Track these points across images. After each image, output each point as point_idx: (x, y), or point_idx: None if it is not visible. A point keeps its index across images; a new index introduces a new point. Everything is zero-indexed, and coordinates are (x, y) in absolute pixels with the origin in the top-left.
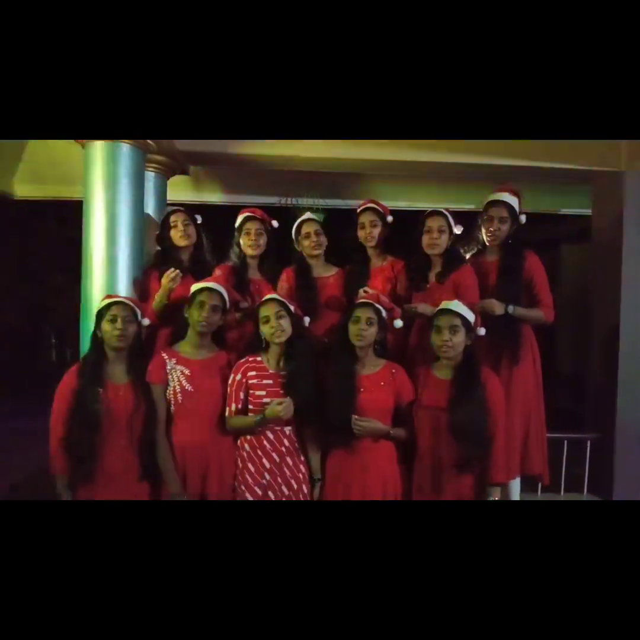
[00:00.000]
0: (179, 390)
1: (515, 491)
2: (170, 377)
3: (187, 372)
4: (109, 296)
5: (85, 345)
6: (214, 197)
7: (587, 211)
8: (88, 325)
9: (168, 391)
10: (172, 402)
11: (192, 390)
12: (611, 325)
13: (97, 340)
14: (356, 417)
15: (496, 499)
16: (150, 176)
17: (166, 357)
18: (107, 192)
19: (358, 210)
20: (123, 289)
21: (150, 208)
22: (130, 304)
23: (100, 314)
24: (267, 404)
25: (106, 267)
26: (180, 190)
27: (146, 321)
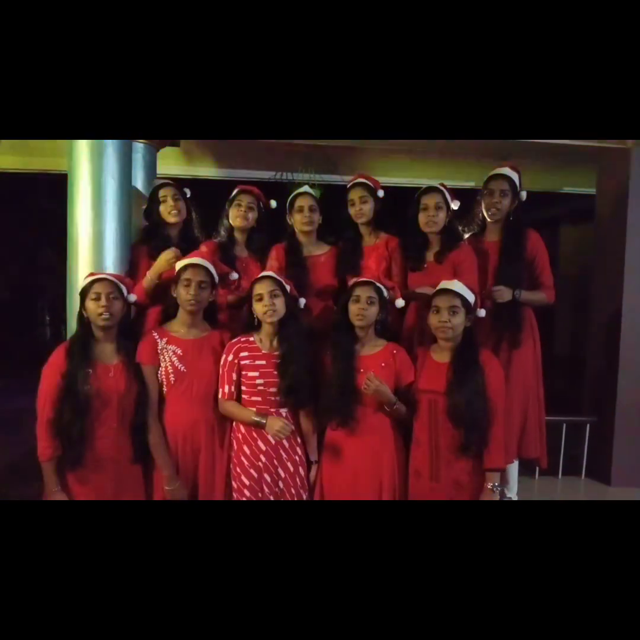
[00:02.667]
0: (171, 370)
1: (513, 475)
2: (161, 357)
3: (179, 352)
4: (91, 274)
5: (73, 323)
6: (205, 171)
7: (590, 190)
8: (74, 302)
9: (159, 372)
10: (164, 383)
11: (185, 370)
12: (613, 307)
13: (83, 319)
14: (371, 373)
15: (495, 484)
16: (138, 147)
17: (157, 336)
18: (92, 163)
19: (348, 185)
20: (110, 264)
21: (138, 181)
22: (114, 280)
23: (84, 293)
24: (260, 385)
25: (92, 242)
26: (170, 163)
27: (133, 297)
